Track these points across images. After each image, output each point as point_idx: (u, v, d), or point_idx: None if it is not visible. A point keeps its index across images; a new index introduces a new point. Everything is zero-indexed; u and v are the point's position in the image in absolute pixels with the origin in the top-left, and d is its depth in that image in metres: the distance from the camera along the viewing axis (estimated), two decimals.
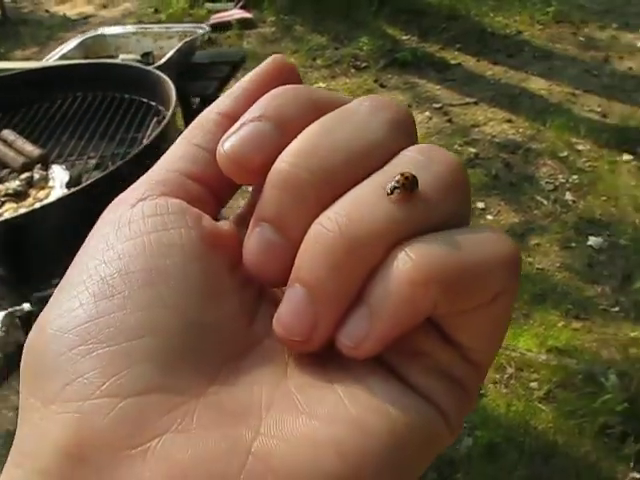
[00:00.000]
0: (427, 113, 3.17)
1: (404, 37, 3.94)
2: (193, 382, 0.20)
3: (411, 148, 0.22)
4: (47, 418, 0.19)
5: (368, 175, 0.22)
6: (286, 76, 0.25)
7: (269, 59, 0.25)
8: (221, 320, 0.21)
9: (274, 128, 0.22)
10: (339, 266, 0.20)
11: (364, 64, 3.63)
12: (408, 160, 0.22)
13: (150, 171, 0.24)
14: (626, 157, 2.75)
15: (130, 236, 0.22)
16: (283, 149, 0.22)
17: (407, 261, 0.20)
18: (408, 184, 0.21)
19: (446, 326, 0.21)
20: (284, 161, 0.21)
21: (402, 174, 0.21)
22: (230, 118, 0.24)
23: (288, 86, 0.24)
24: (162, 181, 0.23)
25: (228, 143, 0.22)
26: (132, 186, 0.24)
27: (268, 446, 0.19)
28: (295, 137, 0.22)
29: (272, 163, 0.22)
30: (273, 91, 0.23)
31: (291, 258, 0.21)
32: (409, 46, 3.82)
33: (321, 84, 3.44)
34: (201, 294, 0.21)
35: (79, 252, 0.22)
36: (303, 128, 0.22)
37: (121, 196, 0.24)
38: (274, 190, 0.21)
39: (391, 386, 0.20)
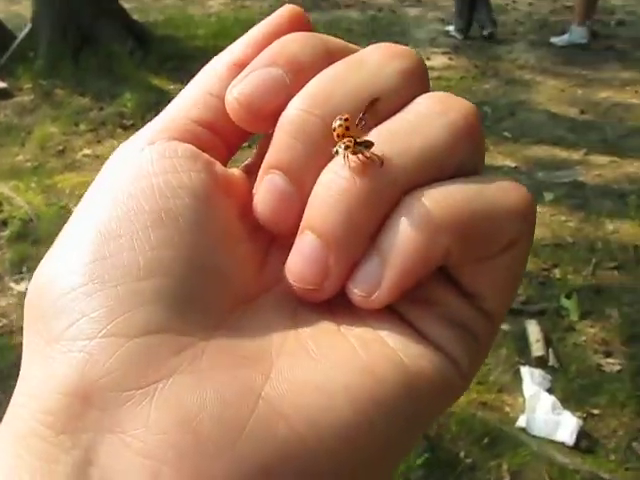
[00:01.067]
0: None
1: (171, 86, 3.81)
2: (202, 325, 0.19)
3: (424, 95, 0.22)
4: (52, 358, 0.19)
5: (380, 122, 0.21)
6: (298, 24, 0.24)
7: (282, 8, 0.24)
8: (231, 265, 0.21)
9: (285, 74, 0.22)
10: (351, 213, 0.20)
11: (130, 122, 3.46)
12: (421, 108, 0.21)
13: (157, 117, 0.23)
14: None
15: (139, 178, 0.21)
16: (294, 95, 0.22)
17: (420, 208, 0.20)
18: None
19: (459, 275, 0.21)
20: (295, 107, 0.21)
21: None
22: (241, 66, 0.23)
23: (300, 33, 0.23)
24: (171, 127, 0.23)
25: (237, 89, 0.22)
26: (138, 132, 0.23)
27: (279, 391, 0.18)
28: (306, 83, 0.22)
29: (283, 110, 0.21)
30: (284, 37, 0.23)
31: (302, 206, 0.21)
32: (175, 95, 3.69)
33: (86, 151, 3.23)
34: (211, 237, 0.21)
35: (86, 195, 0.22)
36: (314, 75, 0.22)
37: (127, 142, 0.23)
38: (285, 137, 0.21)
39: (403, 334, 0.20)
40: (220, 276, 0.21)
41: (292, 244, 0.21)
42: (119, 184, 0.21)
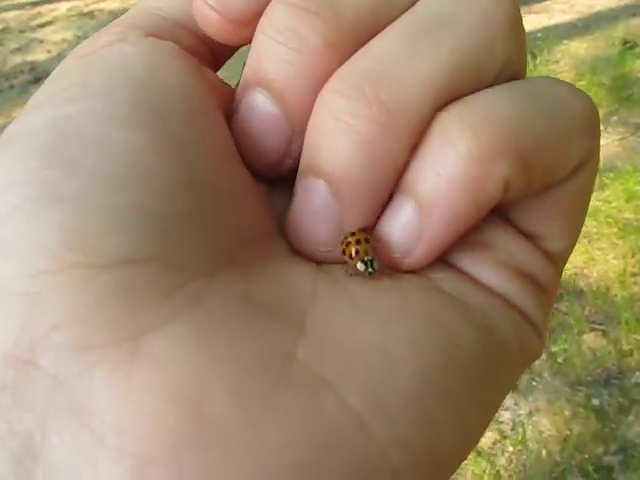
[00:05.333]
0: None
1: None
2: (200, 257, 0.14)
3: None
4: None
5: (390, 22, 0.16)
6: None
7: None
8: (233, 187, 0.16)
9: None
10: (370, 144, 0.15)
11: None
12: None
13: (125, 15, 0.18)
14: None
15: (112, 70, 0.16)
16: None
17: (462, 127, 0.15)
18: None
19: (517, 211, 0.17)
20: (281, 1, 0.16)
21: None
22: None
23: None
24: (148, 24, 0.17)
25: None
26: (103, 29, 0.17)
27: (320, 351, 0.13)
28: None
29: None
30: None
31: (294, 136, 0.16)
32: None
33: None
34: (206, 149, 0.15)
35: (30, 100, 0.16)
36: None
37: (86, 42, 0.17)
38: (267, 41, 0.16)
39: (461, 281, 0.16)
40: (220, 197, 0.16)
41: (292, 184, 0.17)
42: (76, 78, 0.16)
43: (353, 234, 0.16)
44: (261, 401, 0.12)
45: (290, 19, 0.16)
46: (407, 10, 0.17)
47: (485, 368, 0.15)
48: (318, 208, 0.16)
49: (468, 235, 0.16)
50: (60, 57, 3.31)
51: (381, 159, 0.15)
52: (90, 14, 3.62)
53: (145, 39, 0.17)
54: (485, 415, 0.15)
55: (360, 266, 0.16)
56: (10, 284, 0.13)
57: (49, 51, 3.39)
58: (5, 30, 3.62)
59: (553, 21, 2.61)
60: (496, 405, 0.16)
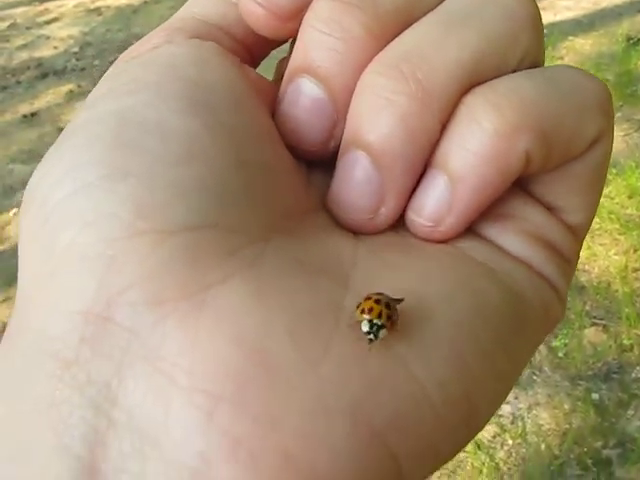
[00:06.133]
0: None
1: None
2: (255, 224, 0.16)
3: None
4: (58, 272, 0.14)
5: (424, 14, 0.18)
6: None
7: None
8: (278, 167, 0.18)
9: None
10: (406, 120, 0.17)
11: None
12: None
13: (169, 21, 0.20)
14: None
15: (162, 68, 0.17)
16: None
17: (487, 108, 0.17)
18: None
19: (537, 185, 0.19)
20: None
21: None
22: None
23: None
24: (191, 28, 0.19)
25: None
26: (145, 36, 0.19)
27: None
28: None
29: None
30: None
31: (338, 119, 0.18)
32: None
33: None
34: (253, 134, 0.17)
35: (88, 98, 0.18)
36: None
37: (134, 46, 0.19)
38: (313, 32, 0.18)
39: (490, 252, 0.18)
40: (266, 175, 0.17)
41: (332, 166, 0.19)
42: (132, 74, 0.18)
43: (379, 294, 0.16)
44: (317, 343, 0.14)
45: (334, 12, 0.18)
46: (439, 4, 0.19)
47: (512, 325, 0.17)
48: (360, 179, 0.17)
49: (494, 207, 0.18)
50: (66, 53, 3.32)
51: (418, 131, 0.17)
52: (97, 10, 3.63)
53: (190, 40, 0.19)
54: (514, 367, 0.17)
55: (365, 325, 0.15)
56: (88, 249, 0.14)
57: (56, 47, 3.41)
58: (12, 26, 3.64)
59: (558, 17, 2.61)
60: (522, 360, 0.17)
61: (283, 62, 0.20)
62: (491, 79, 0.18)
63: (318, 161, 0.20)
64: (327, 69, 0.18)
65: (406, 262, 0.17)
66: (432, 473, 0.16)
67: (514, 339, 0.17)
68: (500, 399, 0.17)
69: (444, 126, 0.17)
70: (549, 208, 0.19)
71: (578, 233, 0.19)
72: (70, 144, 0.16)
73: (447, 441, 0.15)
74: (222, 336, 0.13)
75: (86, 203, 0.15)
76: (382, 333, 0.15)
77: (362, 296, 0.16)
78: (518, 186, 0.18)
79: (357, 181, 0.17)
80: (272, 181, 0.17)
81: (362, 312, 0.15)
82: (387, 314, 0.15)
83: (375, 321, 0.15)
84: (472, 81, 0.17)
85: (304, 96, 0.18)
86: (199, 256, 0.14)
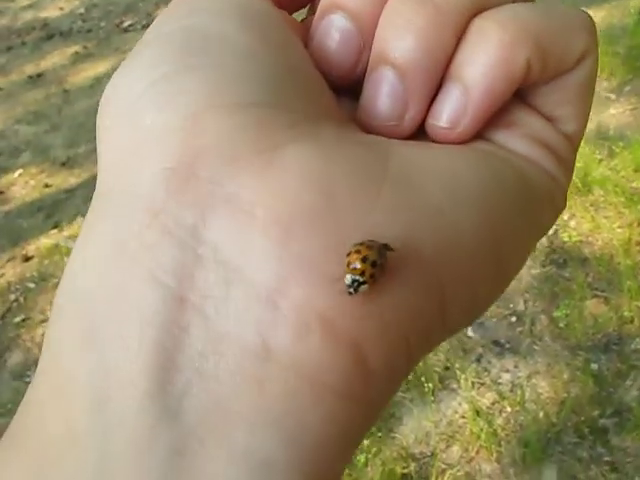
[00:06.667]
0: None
1: None
2: (308, 110, 0.19)
3: None
4: (143, 143, 0.17)
5: None
6: None
7: None
8: (315, 78, 0.20)
9: None
10: (425, 36, 0.19)
11: None
12: None
13: None
14: None
15: (214, 4, 0.20)
16: None
17: (494, 24, 0.20)
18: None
19: (536, 96, 0.21)
20: None
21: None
22: None
23: None
24: None
25: None
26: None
27: (408, 157, 0.18)
28: None
29: None
30: None
31: (365, 47, 0.21)
32: None
33: None
34: (295, 51, 0.20)
35: (153, 23, 0.20)
36: None
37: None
38: None
39: (500, 150, 0.20)
40: (312, 80, 0.20)
41: (357, 94, 0.21)
42: (197, 3, 0.20)
43: (369, 248, 0.16)
44: (369, 188, 0.17)
45: None
46: None
47: (525, 199, 0.20)
48: (388, 90, 0.20)
49: (501, 116, 0.21)
50: (72, 14, 3.29)
51: (435, 47, 0.20)
52: None
53: None
54: (519, 246, 0.20)
55: (348, 279, 0.16)
56: (171, 121, 0.17)
57: (61, 8, 3.38)
58: None
59: None
60: (527, 245, 0.20)
61: (306, 20, 0.23)
62: (496, 7, 0.20)
63: (345, 90, 0.22)
64: (355, 3, 0.20)
65: (433, 152, 0.19)
66: (469, 323, 0.19)
67: (524, 215, 0.20)
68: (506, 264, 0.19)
69: (458, 41, 0.20)
70: (547, 119, 0.22)
71: (573, 141, 0.22)
72: (145, 52, 0.19)
73: (481, 280, 0.18)
74: (294, 179, 0.16)
75: (167, 87, 0.17)
76: (363, 289, 0.16)
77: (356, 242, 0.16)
78: (519, 98, 0.21)
79: (385, 92, 0.20)
80: (316, 85, 0.20)
81: (347, 266, 0.16)
82: (370, 273, 0.16)
83: (358, 277, 0.16)
84: (480, 7, 0.20)
85: (335, 29, 0.21)
86: (266, 123, 0.17)
